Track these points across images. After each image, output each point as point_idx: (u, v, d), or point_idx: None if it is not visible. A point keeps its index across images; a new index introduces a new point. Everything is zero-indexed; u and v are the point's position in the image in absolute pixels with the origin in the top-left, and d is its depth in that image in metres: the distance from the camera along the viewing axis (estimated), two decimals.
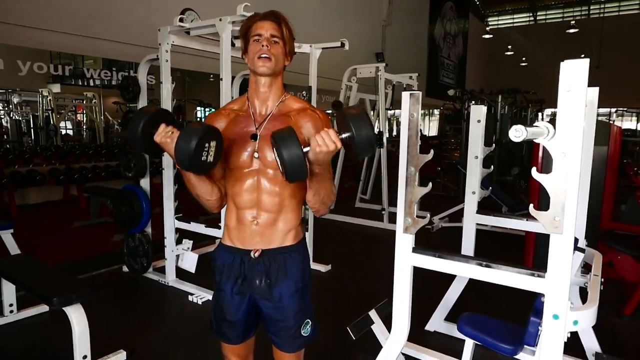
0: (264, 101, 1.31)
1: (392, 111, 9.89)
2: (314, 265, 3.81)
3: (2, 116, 8.09)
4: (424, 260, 1.76)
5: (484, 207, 2.63)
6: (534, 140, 1.39)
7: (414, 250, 1.77)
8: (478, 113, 2.53)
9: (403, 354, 2.31)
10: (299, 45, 3.70)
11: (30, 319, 2.80)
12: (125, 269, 3.70)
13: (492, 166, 2.74)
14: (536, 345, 1.83)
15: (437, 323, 2.72)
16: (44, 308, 2.86)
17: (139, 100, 3.59)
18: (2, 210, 5.51)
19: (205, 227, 3.25)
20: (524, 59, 21.28)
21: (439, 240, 4.99)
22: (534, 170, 1.41)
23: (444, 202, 5.88)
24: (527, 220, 2.51)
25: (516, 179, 7.18)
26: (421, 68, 15.32)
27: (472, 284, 2.63)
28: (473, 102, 7.70)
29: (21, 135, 8.19)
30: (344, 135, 1.12)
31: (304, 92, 4.06)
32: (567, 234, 1.38)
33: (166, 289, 3.40)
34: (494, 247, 4.39)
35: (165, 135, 1.15)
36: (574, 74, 1.34)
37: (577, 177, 1.36)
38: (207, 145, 1.12)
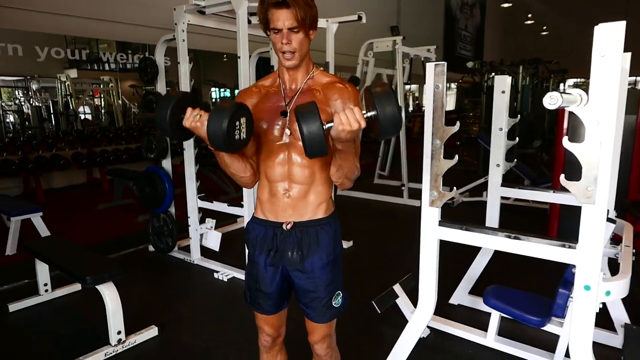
0: (293, 78, 1.34)
1: (409, 86, 9.68)
2: None
3: (23, 103, 8.22)
4: (450, 233, 1.75)
5: (505, 181, 2.60)
6: (566, 109, 1.35)
7: (441, 223, 1.77)
8: (502, 84, 2.47)
9: (428, 326, 2.34)
10: None
11: (64, 298, 2.90)
12: (151, 248, 3.79)
13: (517, 138, 2.69)
14: (564, 317, 1.83)
15: (461, 296, 2.73)
16: (77, 287, 2.96)
17: (157, 82, 3.61)
18: (30, 195, 5.67)
19: (228, 205, 3.30)
20: (544, 27, 20.49)
21: (460, 214, 4.96)
22: (565, 139, 1.37)
23: (464, 177, 5.81)
24: (553, 192, 2.47)
25: (538, 151, 7.03)
26: (437, 40, 14.91)
27: (494, 257, 2.62)
28: (493, 74, 7.50)
29: (42, 121, 8.33)
30: (368, 114, 1.09)
31: (321, 69, 4.00)
32: (600, 204, 1.36)
33: (192, 267, 3.48)
34: (516, 221, 4.34)
35: (195, 120, 1.15)
36: (608, 38, 1.29)
37: (611, 146, 1.32)
38: (237, 123, 1.12)
